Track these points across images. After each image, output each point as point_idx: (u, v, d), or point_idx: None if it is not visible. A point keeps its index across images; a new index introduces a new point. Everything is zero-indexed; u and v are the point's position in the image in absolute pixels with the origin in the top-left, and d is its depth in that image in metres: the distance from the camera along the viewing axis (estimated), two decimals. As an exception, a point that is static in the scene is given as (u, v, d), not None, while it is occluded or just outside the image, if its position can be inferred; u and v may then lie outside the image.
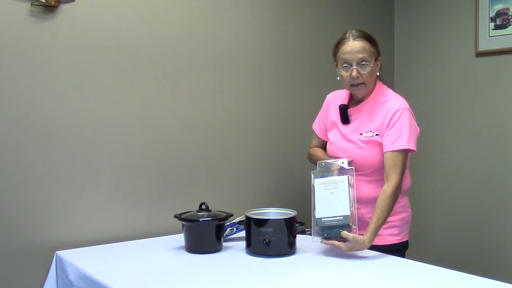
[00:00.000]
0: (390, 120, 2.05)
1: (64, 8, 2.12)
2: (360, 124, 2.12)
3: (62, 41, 2.12)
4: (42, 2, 2.05)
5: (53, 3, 2.07)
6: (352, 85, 2.07)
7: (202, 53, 2.49)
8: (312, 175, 2.02)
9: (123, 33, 2.26)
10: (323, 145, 2.31)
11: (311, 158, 2.31)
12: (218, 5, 2.53)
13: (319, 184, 1.98)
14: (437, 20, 3.09)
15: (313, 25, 2.88)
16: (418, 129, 2.13)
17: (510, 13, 2.74)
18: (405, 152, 2.03)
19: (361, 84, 2.06)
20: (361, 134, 2.10)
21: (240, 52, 2.62)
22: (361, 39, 2.04)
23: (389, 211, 1.98)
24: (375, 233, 1.94)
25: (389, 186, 1.99)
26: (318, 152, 2.28)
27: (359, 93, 2.11)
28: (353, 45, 2.02)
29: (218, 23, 2.54)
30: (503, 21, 2.77)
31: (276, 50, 2.75)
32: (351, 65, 2.03)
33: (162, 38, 2.37)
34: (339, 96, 2.25)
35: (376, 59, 2.07)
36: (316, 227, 1.95)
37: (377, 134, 2.07)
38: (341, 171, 1.99)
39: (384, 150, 2.04)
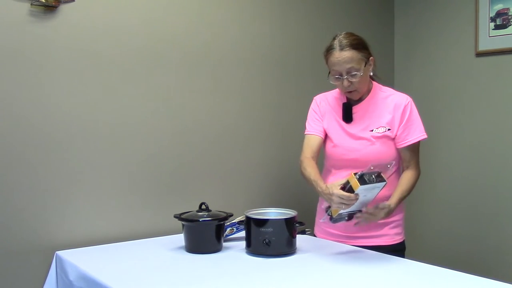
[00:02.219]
0: (402, 115, 2.07)
1: (64, 8, 2.12)
2: (369, 120, 2.11)
3: (62, 41, 2.12)
4: (42, 2, 2.05)
5: (53, 3, 2.07)
6: (346, 92, 2.10)
7: (202, 54, 2.49)
8: (357, 180, 1.81)
9: (123, 33, 2.26)
10: (319, 147, 2.19)
11: (305, 174, 2.11)
12: (218, 7, 2.54)
13: (362, 190, 1.82)
14: (437, 20, 3.09)
15: (313, 25, 2.88)
16: None
17: (510, 13, 2.74)
18: (419, 141, 2.12)
19: (354, 90, 2.08)
20: (372, 130, 2.09)
21: (241, 53, 2.62)
22: (347, 48, 1.99)
23: (409, 193, 2.07)
24: (398, 204, 2.00)
25: (414, 174, 2.10)
26: (313, 170, 2.09)
27: (353, 97, 2.12)
28: (340, 56, 2.00)
29: (219, 25, 2.54)
30: (503, 21, 2.77)
31: (277, 50, 2.75)
32: (341, 75, 2.03)
33: (163, 39, 2.37)
34: (330, 97, 2.24)
35: (366, 63, 2.04)
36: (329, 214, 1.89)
37: (389, 129, 2.08)
38: (385, 172, 1.90)
39: (402, 145, 2.08)
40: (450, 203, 3.05)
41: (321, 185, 1.98)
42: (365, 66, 2.03)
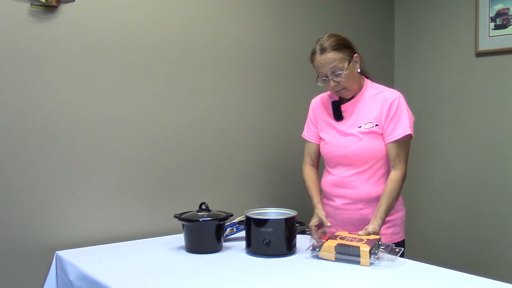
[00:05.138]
0: (389, 110, 2.09)
1: (64, 8, 2.12)
2: (357, 117, 2.14)
3: (62, 41, 2.12)
4: (42, 2, 2.05)
5: (53, 3, 2.07)
6: (336, 91, 2.13)
7: (202, 54, 2.49)
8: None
9: (123, 33, 2.26)
10: (318, 153, 2.29)
11: (304, 185, 2.28)
12: (219, 7, 2.53)
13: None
14: (437, 20, 3.09)
15: (313, 26, 2.88)
16: (413, 117, 2.16)
17: (510, 13, 2.74)
18: (407, 139, 2.09)
19: (342, 89, 2.11)
20: (360, 126, 2.12)
21: (240, 53, 2.62)
22: (328, 50, 2.06)
23: (396, 199, 2.06)
24: (384, 220, 2.01)
25: (397, 174, 2.06)
26: (311, 184, 2.26)
27: (345, 96, 2.16)
28: (322, 59, 2.07)
29: (219, 25, 2.54)
30: (503, 21, 2.77)
31: (276, 51, 2.75)
32: (327, 77, 2.09)
33: (163, 38, 2.37)
34: (325, 97, 2.29)
35: (350, 61, 2.08)
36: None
37: (376, 125, 2.10)
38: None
39: (387, 141, 2.09)
40: (450, 203, 3.05)
41: (314, 203, 2.19)
42: (349, 64, 2.07)
